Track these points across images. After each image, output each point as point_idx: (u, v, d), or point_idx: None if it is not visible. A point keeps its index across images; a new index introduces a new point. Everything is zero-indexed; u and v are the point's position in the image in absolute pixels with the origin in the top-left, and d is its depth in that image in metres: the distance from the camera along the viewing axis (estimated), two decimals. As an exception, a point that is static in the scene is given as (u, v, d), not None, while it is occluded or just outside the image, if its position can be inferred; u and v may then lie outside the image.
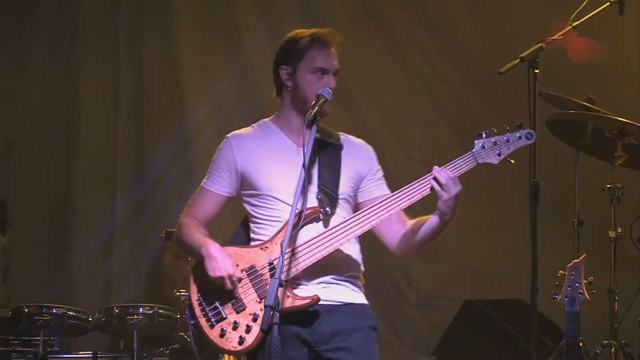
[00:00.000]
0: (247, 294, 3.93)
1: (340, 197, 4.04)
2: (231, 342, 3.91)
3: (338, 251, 3.96)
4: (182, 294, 6.35)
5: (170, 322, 6.25)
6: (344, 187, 4.06)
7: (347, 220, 3.94)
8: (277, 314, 3.60)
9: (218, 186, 4.12)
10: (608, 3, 4.97)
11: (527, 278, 4.36)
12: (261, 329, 3.68)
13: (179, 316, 6.26)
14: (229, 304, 3.94)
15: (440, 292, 7.33)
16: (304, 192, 3.86)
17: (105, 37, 7.75)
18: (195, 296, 4.01)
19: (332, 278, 4.00)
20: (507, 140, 3.90)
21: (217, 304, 3.95)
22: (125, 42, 7.75)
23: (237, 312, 3.93)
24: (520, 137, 3.91)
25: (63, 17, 7.76)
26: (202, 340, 4.03)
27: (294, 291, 3.91)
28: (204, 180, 4.16)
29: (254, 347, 3.87)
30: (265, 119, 4.18)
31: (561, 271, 4.51)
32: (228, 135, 4.16)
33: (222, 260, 3.92)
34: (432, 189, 3.86)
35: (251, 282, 3.94)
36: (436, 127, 7.48)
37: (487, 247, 7.13)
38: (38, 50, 7.72)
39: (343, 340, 3.95)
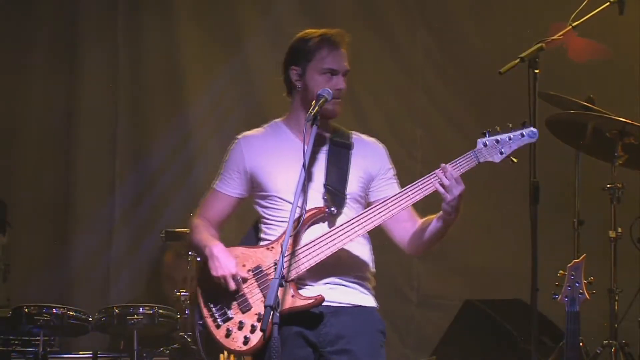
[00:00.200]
0: (253, 294, 3.94)
1: (348, 196, 4.03)
2: (236, 342, 3.92)
3: (346, 251, 3.96)
4: (182, 294, 6.35)
5: (170, 322, 6.24)
6: (353, 186, 4.05)
7: (351, 220, 3.93)
8: (277, 314, 3.59)
9: (229, 187, 4.14)
10: (608, 3, 4.97)
11: (527, 278, 4.36)
12: (260, 329, 3.69)
13: (179, 316, 6.26)
14: (235, 304, 3.96)
15: (441, 291, 7.33)
16: (304, 191, 3.86)
17: (105, 37, 7.74)
18: (202, 297, 4.03)
19: (339, 279, 3.99)
20: (510, 139, 3.87)
21: (223, 304, 3.97)
22: (125, 41, 7.74)
23: (243, 312, 3.94)
24: (522, 135, 3.88)
25: (63, 17, 7.76)
26: (205, 340, 4.05)
27: (300, 291, 3.91)
28: (215, 181, 4.18)
29: (259, 347, 3.88)
30: (277, 119, 4.18)
31: (561, 271, 4.51)
32: (238, 136, 4.17)
33: (224, 260, 3.94)
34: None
35: (257, 282, 3.96)
36: (437, 126, 7.48)
37: (487, 247, 7.13)
38: (38, 50, 7.71)
39: (348, 343, 3.94)
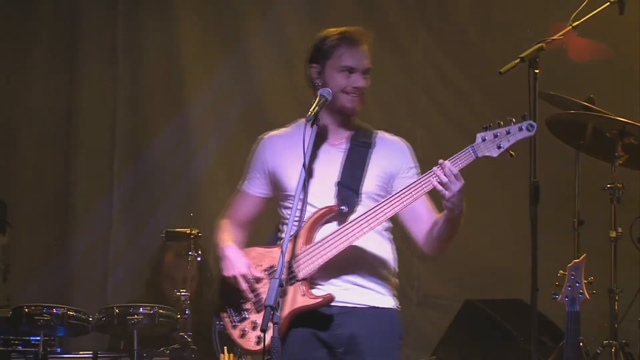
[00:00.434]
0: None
1: (363, 195, 4.00)
2: (250, 342, 3.96)
3: (362, 250, 3.95)
4: (182, 294, 6.35)
5: (170, 322, 6.24)
6: (370, 185, 4.02)
7: (357, 218, 3.91)
8: (278, 314, 3.59)
9: (254, 187, 4.15)
10: (608, 3, 4.96)
11: (527, 278, 4.36)
12: (260, 329, 3.68)
13: (179, 316, 6.26)
14: (250, 304, 3.98)
15: (441, 291, 7.33)
16: (304, 191, 3.86)
17: (105, 37, 7.75)
18: (221, 298, 4.05)
19: (355, 279, 3.98)
20: (508, 132, 3.81)
21: (240, 305, 3.99)
22: (125, 41, 7.75)
23: (257, 312, 3.96)
24: (520, 129, 3.82)
25: (63, 17, 7.76)
26: (222, 341, 4.09)
27: (312, 291, 3.91)
28: (241, 182, 4.19)
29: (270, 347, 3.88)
30: (303, 119, 4.15)
31: (561, 271, 4.50)
32: (263, 135, 4.17)
33: (235, 261, 3.97)
34: None
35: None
36: (437, 126, 7.47)
37: (487, 247, 7.13)
38: (38, 50, 7.71)
39: (361, 345, 3.93)
